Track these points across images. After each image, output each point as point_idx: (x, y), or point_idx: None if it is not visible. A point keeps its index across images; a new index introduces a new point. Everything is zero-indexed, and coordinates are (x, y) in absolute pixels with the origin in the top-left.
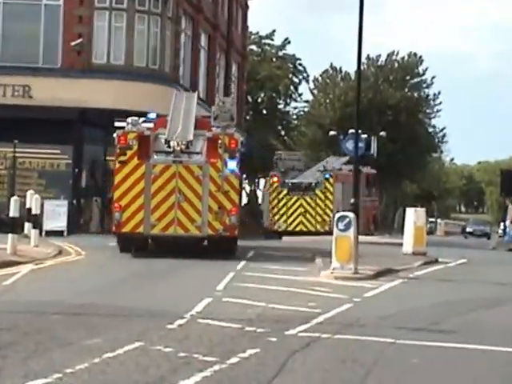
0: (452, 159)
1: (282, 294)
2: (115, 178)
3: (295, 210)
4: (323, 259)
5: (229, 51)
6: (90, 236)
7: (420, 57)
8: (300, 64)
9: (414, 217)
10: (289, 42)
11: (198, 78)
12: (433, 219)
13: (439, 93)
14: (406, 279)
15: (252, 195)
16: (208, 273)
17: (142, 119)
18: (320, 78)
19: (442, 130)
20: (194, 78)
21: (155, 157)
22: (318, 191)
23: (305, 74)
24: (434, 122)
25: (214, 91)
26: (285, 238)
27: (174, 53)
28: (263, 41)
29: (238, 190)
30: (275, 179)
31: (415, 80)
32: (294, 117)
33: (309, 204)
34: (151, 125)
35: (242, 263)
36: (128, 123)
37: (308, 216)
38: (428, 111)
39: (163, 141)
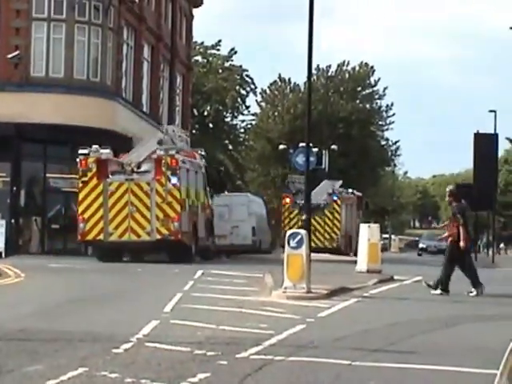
0: (406, 173)
1: (233, 315)
2: (79, 195)
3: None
4: (275, 278)
5: (173, 62)
6: (30, 257)
7: (371, 67)
8: (247, 75)
9: (367, 233)
10: (235, 53)
11: (141, 90)
12: (387, 235)
13: (392, 104)
14: (361, 298)
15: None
16: (154, 294)
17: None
18: (268, 90)
19: (395, 142)
20: (137, 90)
21: (111, 176)
22: (326, 211)
23: (252, 86)
24: (386, 134)
25: (158, 104)
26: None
27: (116, 65)
28: (209, 51)
29: (180, 201)
30: (287, 200)
31: (367, 91)
32: (242, 130)
33: (318, 223)
34: (108, 151)
35: (190, 283)
36: (89, 150)
37: (317, 234)
38: (380, 123)
39: (117, 163)
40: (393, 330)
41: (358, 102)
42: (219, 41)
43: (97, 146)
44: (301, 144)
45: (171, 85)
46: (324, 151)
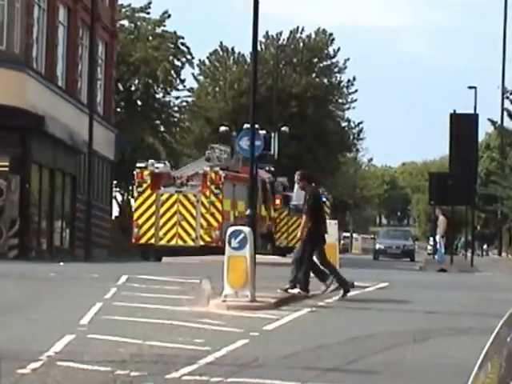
0: (370, 160)
1: (163, 329)
2: (135, 204)
3: (295, 229)
4: (214, 284)
5: (94, 28)
6: None
7: (330, 34)
8: (183, 44)
9: None
10: (169, 16)
11: (55, 60)
12: (347, 234)
13: (354, 79)
14: (315, 308)
15: (124, 206)
16: (69, 303)
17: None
18: (207, 61)
19: (358, 124)
20: (51, 60)
21: (163, 188)
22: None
23: (189, 56)
24: (347, 114)
25: (76, 77)
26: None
27: (26, 30)
28: (137, 14)
29: (222, 212)
30: (278, 201)
31: (324, 63)
32: (176, 109)
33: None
34: (162, 165)
35: (112, 290)
36: (146, 164)
37: None
38: (340, 101)
39: (170, 177)
40: (352, 346)
41: (313, 75)
42: (149, 2)
43: (153, 161)
44: (245, 125)
45: (92, 54)
46: (273, 134)
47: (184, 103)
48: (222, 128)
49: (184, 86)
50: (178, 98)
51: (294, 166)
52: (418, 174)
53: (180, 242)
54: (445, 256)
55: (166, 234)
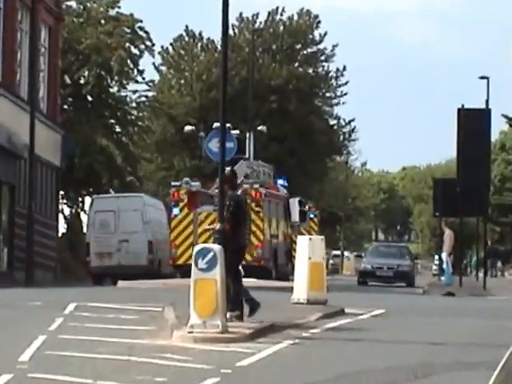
0: (364, 164)
1: (118, 366)
2: (172, 223)
3: None
4: (179, 313)
5: (35, 10)
6: None
7: (316, 16)
8: (141, 28)
9: (307, 249)
10: None
11: None
12: (338, 252)
13: (344, 68)
14: (298, 340)
15: (73, 221)
16: (6, 337)
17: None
18: (171, 49)
19: (350, 122)
20: None
21: (201, 207)
22: (302, 229)
23: (148, 43)
24: (337, 110)
25: (14, 67)
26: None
27: None
28: None
29: (263, 230)
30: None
31: (309, 50)
32: (134, 105)
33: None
34: (198, 183)
35: (58, 321)
36: (181, 182)
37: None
38: (328, 95)
39: (207, 195)
40: None
41: (296, 65)
42: None
43: (187, 179)
44: (215, 124)
45: (33, 41)
46: (248, 134)
47: (143, 98)
48: (188, 127)
49: (143, 79)
50: (135, 92)
51: (274, 171)
52: (420, 180)
53: None
54: (453, 277)
55: None
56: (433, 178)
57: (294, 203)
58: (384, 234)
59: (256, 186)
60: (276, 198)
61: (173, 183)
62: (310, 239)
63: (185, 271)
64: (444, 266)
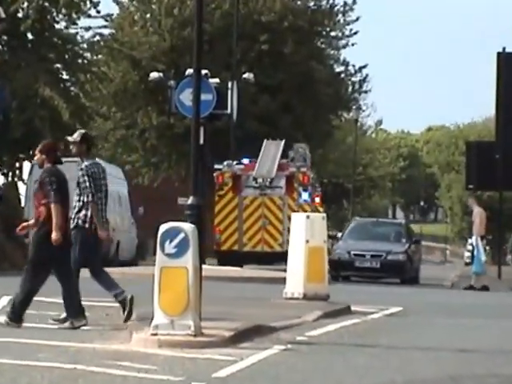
0: (379, 123)
1: (61, 376)
2: (215, 208)
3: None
4: (140, 310)
5: None
6: None
7: None
8: None
9: (304, 230)
10: None
11: None
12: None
13: (354, 1)
14: (291, 345)
15: (8, 192)
16: None
17: (235, 162)
18: None
19: (361, 69)
20: None
21: (246, 190)
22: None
23: None
24: (345, 54)
25: None
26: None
27: None
28: None
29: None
30: (317, 200)
31: None
32: (86, 46)
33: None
34: (243, 166)
35: None
36: (224, 165)
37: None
38: (334, 34)
39: (252, 178)
40: None
41: None
42: None
43: (230, 161)
44: (189, 71)
45: None
46: (232, 83)
47: (98, 37)
48: (154, 74)
49: (98, 12)
50: (88, 29)
51: (265, 130)
52: (449, 144)
53: (266, 248)
54: (485, 266)
55: (250, 239)
56: (466, 142)
57: None
58: (403, 211)
59: (303, 169)
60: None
61: (216, 166)
62: (308, 217)
63: (228, 258)
64: (475, 252)
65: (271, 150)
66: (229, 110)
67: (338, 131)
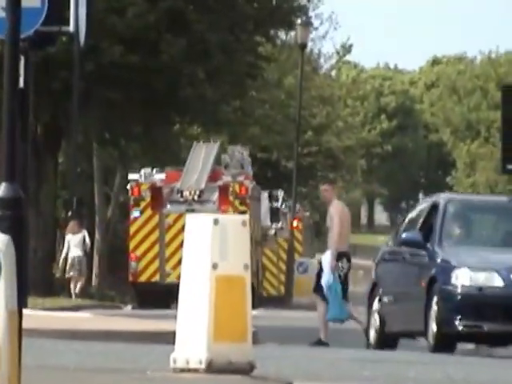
0: (345, 51)
1: None
2: (130, 229)
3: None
4: None
5: None
6: None
7: None
8: None
9: (210, 246)
10: None
11: None
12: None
13: None
14: None
15: None
16: None
17: (154, 170)
18: None
19: None
20: None
21: (168, 207)
22: (280, 240)
23: None
24: None
25: None
26: None
27: None
28: None
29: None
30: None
31: None
32: None
33: (270, 260)
34: (163, 176)
35: None
36: (141, 175)
37: (269, 276)
38: None
39: (176, 191)
40: None
41: None
42: None
43: (149, 170)
44: None
45: None
46: None
47: None
48: None
49: None
50: None
51: (138, 67)
52: (472, 88)
53: None
54: None
55: (174, 268)
56: (502, 85)
57: (262, 199)
58: (388, 210)
59: (240, 178)
60: (257, 193)
61: (130, 176)
62: (217, 222)
63: (147, 291)
64: None
65: (201, 155)
66: (71, 27)
67: (269, 66)
